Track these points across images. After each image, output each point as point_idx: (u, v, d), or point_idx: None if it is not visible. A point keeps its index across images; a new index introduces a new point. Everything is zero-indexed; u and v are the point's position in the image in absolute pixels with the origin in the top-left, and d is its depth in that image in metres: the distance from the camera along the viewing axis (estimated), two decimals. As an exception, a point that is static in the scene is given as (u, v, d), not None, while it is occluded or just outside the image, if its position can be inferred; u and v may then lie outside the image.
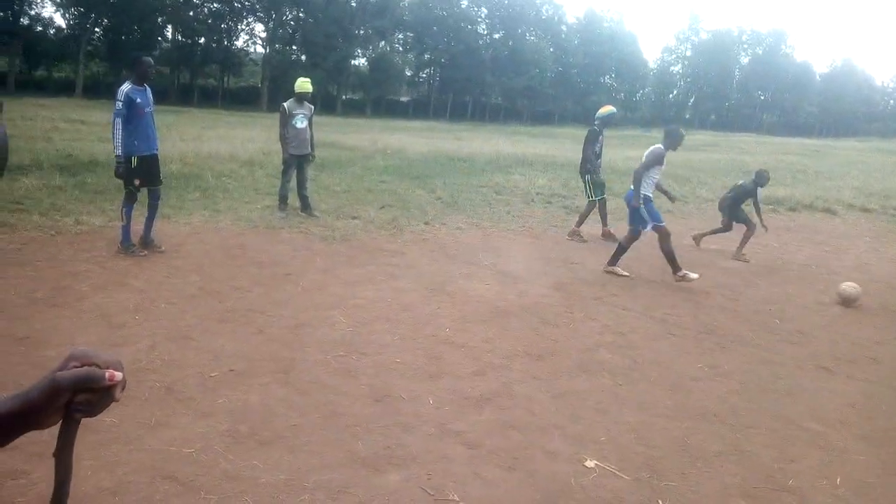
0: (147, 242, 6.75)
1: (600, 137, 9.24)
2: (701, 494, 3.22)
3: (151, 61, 6.59)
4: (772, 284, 7.56)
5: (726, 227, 9.05)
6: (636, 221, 7.27)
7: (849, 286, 6.87)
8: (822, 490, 3.35)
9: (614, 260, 7.40)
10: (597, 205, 9.30)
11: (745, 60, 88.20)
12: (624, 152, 24.02)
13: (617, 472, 3.35)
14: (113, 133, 6.33)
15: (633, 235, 7.33)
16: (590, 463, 3.42)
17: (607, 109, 9.42)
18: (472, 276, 6.85)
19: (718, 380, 4.69)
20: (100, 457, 3.10)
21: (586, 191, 9.36)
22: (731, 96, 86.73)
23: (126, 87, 6.29)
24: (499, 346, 4.95)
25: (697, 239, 9.25)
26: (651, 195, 7.20)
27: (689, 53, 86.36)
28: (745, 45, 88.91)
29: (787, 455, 3.68)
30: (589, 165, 9.20)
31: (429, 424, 3.70)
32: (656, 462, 3.49)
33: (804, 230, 11.18)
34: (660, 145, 7.20)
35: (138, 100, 6.31)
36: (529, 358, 4.79)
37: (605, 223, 9.47)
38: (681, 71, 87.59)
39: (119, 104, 6.24)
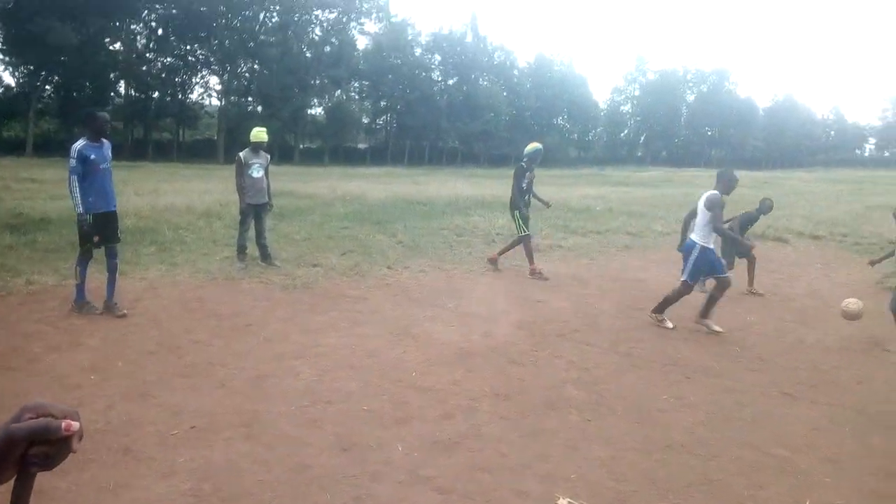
0: (110, 306, 6.47)
1: (528, 174, 9.41)
2: (674, 527, 3.21)
3: (107, 116, 6.50)
4: (731, 314, 7.70)
5: (730, 266, 8.72)
6: (716, 269, 6.88)
7: (851, 303, 6.88)
8: (793, 515, 3.37)
9: (706, 312, 6.92)
10: (529, 239, 9.39)
11: (691, 98, 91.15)
12: (581, 190, 24.48)
13: (590, 510, 3.33)
14: (70, 191, 6.19)
15: (723, 283, 6.85)
16: (562, 501, 3.39)
17: (533, 146, 9.60)
18: (437, 319, 6.83)
19: (685, 410, 4.72)
20: (54, 525, 2.96)
21: (517, 226, 9.47)
22: (680, 133, 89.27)
23: (80, 143, 6.18)
24: (465, 388, 4.92)
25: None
26: (712, 246, 6.82)
27: (637, 93, 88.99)
28: (691, 84, 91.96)
29: (756, 482, 3.71)
30: (518, 201, 9.36)
31: (399, 472, 3.63)
32: (627, 496, 3.47)
33: (759, 259, 11.44)
34: (715, 191, 6.74)
35: (92, 156, 6.17)
36: (497, 398, 4.77)
37: (531, 261, 9.43)
38: (630, 110, 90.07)
39: (73, 161, 6.12)
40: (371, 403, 4.56)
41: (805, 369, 5.80)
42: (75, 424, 0.88)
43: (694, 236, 6.82)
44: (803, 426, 4.55)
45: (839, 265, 11.48)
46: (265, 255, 9.07)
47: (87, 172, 6.19)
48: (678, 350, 6.17)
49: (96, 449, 3.67)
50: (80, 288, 6.40)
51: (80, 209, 6.19)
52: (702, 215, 6.75)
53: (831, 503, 3.51)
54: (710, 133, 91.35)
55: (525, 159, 9.46)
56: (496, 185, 26.09)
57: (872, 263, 8.26)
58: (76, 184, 6.13)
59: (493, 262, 9.64)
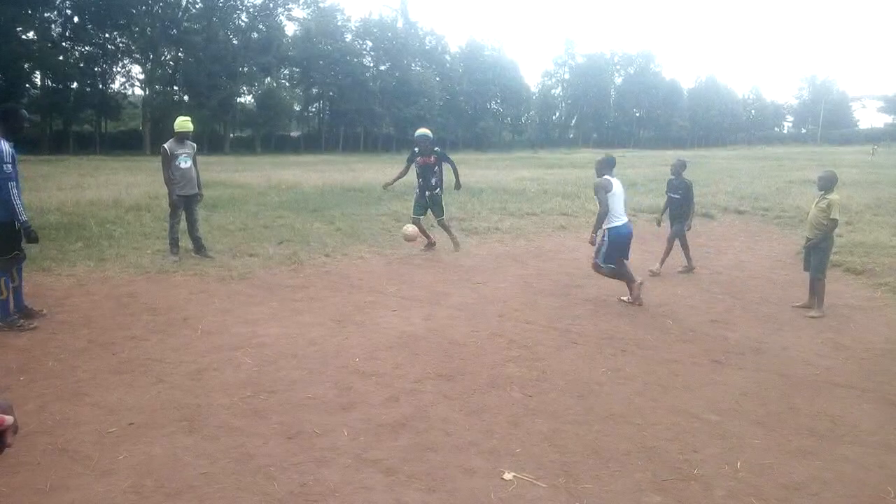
0: (24, 309, 6.03)
1: (419, 158, 9.80)
2: (615, 493, 3.34)
3: (26, 114, 5.97)
4: (663, 287, 7.97)
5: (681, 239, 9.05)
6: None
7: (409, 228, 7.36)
8: (725, 475, 3.55)
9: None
10: (419, 221, 9.81)
11: (619, 80, 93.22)
12: (516, 172, 24.73)
13: (534, 482, 3.42)
14: (11, 199, 5.61)
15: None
16: (508, 475, 3.47)
17: (419, 131, 10.15)
18: (378, 304, 6.83)
19: (622, 382, 4.89)
20: (-12, 531, 2.86)
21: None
22: (610, 115, 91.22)
23: (6, 145, 5.60)
24: (409, 371, 4.96)
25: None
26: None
27: (567, 76, 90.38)
28: (618, 66, 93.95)
29: (691, 446, 3.88)
30: (416, 184, 9.95)
31: (345, 456, 3.64)
32: (571, 467, 3.58)
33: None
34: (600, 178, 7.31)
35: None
36: (440, 379, 4.82)
37: (455, 247, 9.99)
38: (561, 93, 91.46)
39: (8, 167, 5.56)
40: (315, 391, 4.54)
41: (733, 338, 6.07)
42: (8, 419, 0.86)
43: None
44: (733, 391, 4.77)
45: (763, 238, 12.00)
46: (199, 247, 8.86)
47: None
48: (614, 325, 6.36)
49: (30, 451, 3.55)
50: (5, 304, 5.80)
51: (24, 217, 5.73)
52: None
53: (761, 463, 3.71)
54: (637, 114, 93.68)
55: (416, 145, 9.96)
56: (432, 171, 26.11)
57: None
58: (15, 188, 5.63)
59: (429, 245, 10.01)
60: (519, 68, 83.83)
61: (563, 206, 14.85)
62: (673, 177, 9.14)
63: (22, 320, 5.84)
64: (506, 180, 20.48)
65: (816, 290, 7.00)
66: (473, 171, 27.59)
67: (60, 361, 4.99)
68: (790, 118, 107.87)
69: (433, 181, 9.81)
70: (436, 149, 9.87)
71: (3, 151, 5.56)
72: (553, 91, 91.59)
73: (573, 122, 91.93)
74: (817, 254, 7.02)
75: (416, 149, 9.87)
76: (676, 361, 5.37)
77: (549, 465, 3.61)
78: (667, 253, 8.93)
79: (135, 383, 4.61)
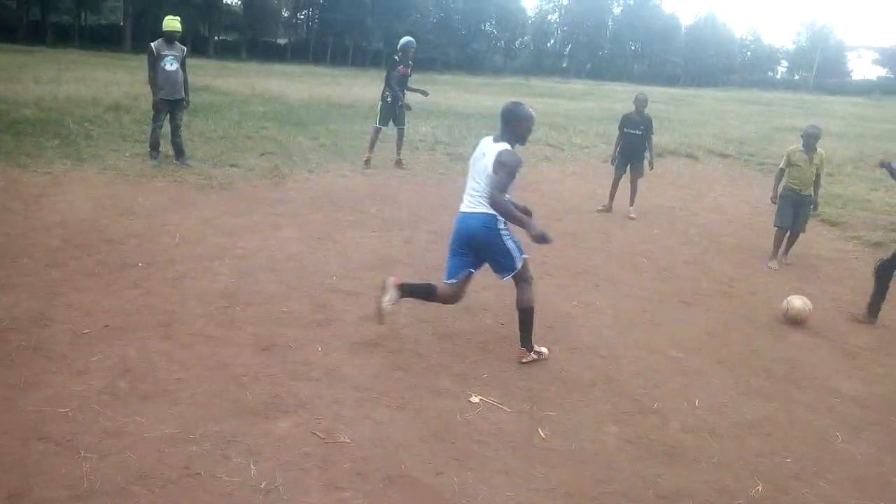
0: None
1: (399, 67, 9.67)
2: (577, 422, 3.47)
3: None
4: (641, 227, 8.05)
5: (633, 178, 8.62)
6: None
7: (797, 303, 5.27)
8: (683, 410, 3.70)
9: None
10: (380, 132, 9.90)
11: (617, 11, 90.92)
12: (506, 99, 24.37)
13: (500, 406, 3.54)
14: None
15: None
16: (475, 398, 3.59)
17: (403, 39, 10.01)
18: (358, 224, 6.84)
19: (592, 315, 5.00)
20: (-37, 422, 2.92)
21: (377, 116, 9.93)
22: (605, 46, 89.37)
23: None
24: (385, 292, 5.01)
25: None
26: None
27: (565, 2, 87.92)
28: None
29: (652, 381, 4.02)
30: (383, 93, 9.78)
31: (318, 371, 3.73)
32: (536, 394, 3.71)
33: (669, 175, 11.89)
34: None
35: None
36: (415, 302, 4.88)
37: (397, 152, 10.22)
38: (558, 20, 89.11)
39: None
40: (291, 306, 4.60)
41: (705, 280, 6.20)
42: None
43: None
44: (698, 331, 4.92)
45: (744, 183, 12.07)
46: (179, 153, 8.72)
47: None
48: (589, 259, 6.45)
49: (3, 347, 3.59)
50: None
51: None
52: None
53: (718, 401, 3.86)
54: (633, 48, 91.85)
55: (399, 53, 9.76)
56: (420, 91, 25.65)
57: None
58: None
59: (367, 162, 9.99)
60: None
61: (549, 136, 14.75)
62: (634, 112, 8.54)
63: None
64: (495, 106, 20.17)
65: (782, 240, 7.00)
66: (462, 94, 27.15)
67: (34, 259, 4.97)
68: (785, 63, 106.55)
69: (404, 92, 9.81)
70: (410, 62, 9.84)
71: None
72: (549, 17, 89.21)
73: (567, 50, 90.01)
74: (808, 210, 6.98)
75: (398, 57, 9.70)
76: (647, 299, 5.49)
77: (515, 391, 3.72)
78: (634, 195, 8.56)
79: (111, 286, 4.62)
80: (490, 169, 3.84)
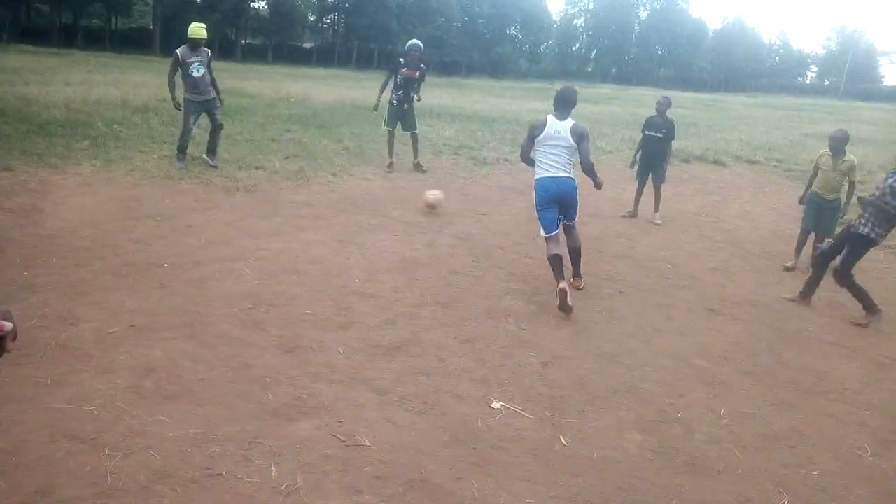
0: None
1: (403, 70, 9.67)
2: (599, 429, 3.43)
3: None
4: (666, 233, 7.97)
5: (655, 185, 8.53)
6: None
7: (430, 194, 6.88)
8: (708, 421, 3.65)
9: None
10: (393, 135, 9.94)
11: (644, 15, 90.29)
12: (530, 104, 24.32)
13: (521, 412, 3.51)
14: None
15: None
16: (496, 404, 3.57)
17: (410, 42, 9.95)
18: (381, 227, 6.85)
19: (616, 323, 4.95)
20: (-8, 418, 2.96)
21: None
22: (631, 51, 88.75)
23: None
24: (408, 296, 5.02)
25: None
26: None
27: (591, 6, 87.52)
28: (644, 0, 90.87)
29: (677, 390, 3.97)
30: (391, 96, 9.85)
31: (339, 373, 3.73)
32: (558, 401, 3.68)
33: (696, 181, 11.77)
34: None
35: None
36: (437, 306, 4.89)
37: (415, 156, 10.21)
38: (583, 24, 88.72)
39: None
40: (314, 308, 4.61)
41: (730, 287, 6.11)
42: (8, 325, 0.86)
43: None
44: (724, 340, 4.84)
45: (772, 190, 11.90)
46: (212, 151, 8.82)
47: None
48: (613, 266, 6.39)
49: (31, 345, 3.64)
50: None
51: None
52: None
53: (744, 411, 3.80)
54: (660, 52, 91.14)
55: (406, 55, 9.77)
56: (445, 95, 25.68)
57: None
58: None
59: (391, 166, 9.99)
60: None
61: (574, 141, 14.65)
62: (656, 115, 8.49)
63: None
64: (520, 111, 20.18)
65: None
66: (487, 98, 27.16)
67: (63, 259, 5.05)
68: (815, 68, 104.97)
69: (413, 95, 9.87)
70: (422, 65, 9.82)
71: None
72: (575, 21, 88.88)
73: (593, 55, 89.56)
74: (835, 216, 6.87)
75: (403, 59, 9.71)
76: (672, 306, 5.43)
77: (536, 397, 3.70)
78: (658, 201, 8.48)
79: (137, 287, 4.68)
80: (572, 141, 5.15)
